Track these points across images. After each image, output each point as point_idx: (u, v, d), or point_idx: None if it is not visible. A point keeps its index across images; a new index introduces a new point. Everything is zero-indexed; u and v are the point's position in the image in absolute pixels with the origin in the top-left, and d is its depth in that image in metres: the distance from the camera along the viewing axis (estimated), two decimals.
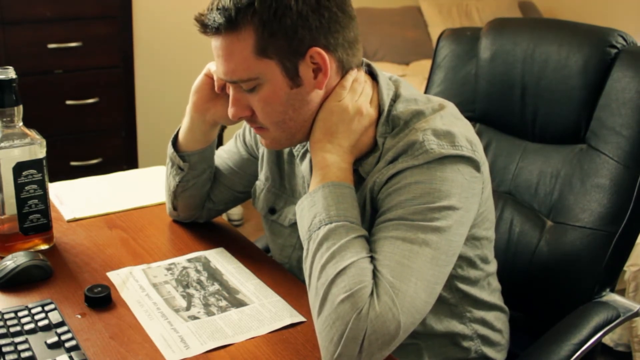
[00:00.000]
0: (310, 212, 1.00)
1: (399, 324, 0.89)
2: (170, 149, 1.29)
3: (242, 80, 1.03)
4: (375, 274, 0.92)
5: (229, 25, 0.99)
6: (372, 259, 0.94)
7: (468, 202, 1.01)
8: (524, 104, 1.41)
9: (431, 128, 1.01)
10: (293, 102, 1.03)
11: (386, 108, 1.07)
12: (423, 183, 0.98)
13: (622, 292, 2.18)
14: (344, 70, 1.06)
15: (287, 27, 0.98)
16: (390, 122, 1.06)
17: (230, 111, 1.07)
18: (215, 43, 1.03)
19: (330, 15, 1.00)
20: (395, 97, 1.09)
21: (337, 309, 0.90)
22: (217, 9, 1.00)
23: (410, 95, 1.09)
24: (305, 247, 0.99)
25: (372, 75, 1.11)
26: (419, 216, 0.96)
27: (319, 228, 0.97)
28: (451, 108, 1.08)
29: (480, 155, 1.04)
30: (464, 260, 1.10)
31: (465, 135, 1.03)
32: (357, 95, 1.05)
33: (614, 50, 1.30)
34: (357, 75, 1.07)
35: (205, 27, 1.02)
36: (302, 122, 1.06)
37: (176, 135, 1.29)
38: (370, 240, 0.97)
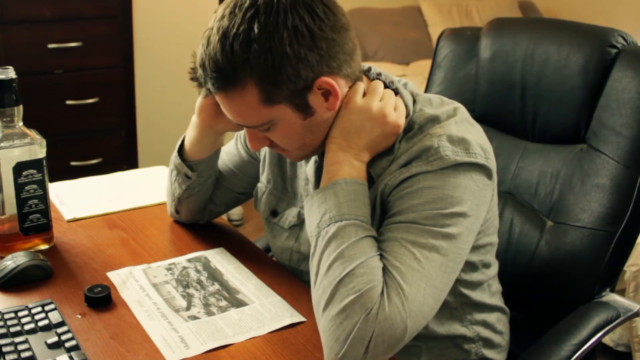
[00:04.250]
0: (320, 208, 0.99)
1: (406, 328, 0.89)
2: (177, 159, 1.28)
3: (255, 126, 1.03)
4: (385, 273, 0.92)
5: (228, 85, 0.97)
6: (382, 258, 0.94)
7: (478, 210, 1.01)
8: (524, 104, 1.41)
9: (446, 134, 1.01)
10: (309, 128, 1.03)
11: (411, 110, 1.06)
12: (436, 188, 0.97)
13: (622, 292, 2.18)
14: (351, 80, 1.04)
15: (289, 75, 0.96)
16: (406, 125, 1.06)
17: (250, 145, 1.07)
18: (218, 98, 1.02)
19: (328, 44, 0.97)
20: (413, 100, 1.08)
21: (346, 308, 0.89)
22: (212, 70, 0.97)
23: (425, 96, 1.09)
24: (313, 243, 0.99)
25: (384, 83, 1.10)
26: (430, 221, 0.96)
27: (329, 225, 0.96)
28: (464, 112, 1.08)
29: (492, 163, 1.04)
30: (467, 264, 1.09)
31: (479, 142, 1.03)
32: (378, 96, 1.04)
33: (614, 50, 1.30)
34: (374, 83, 1.07)
35: (203, 86, 1.01)
36: (322, 138, 1.06)
37: (181, 144, 1.29)
38: (378, 240, 0.97)
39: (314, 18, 0.96)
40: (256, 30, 0.93)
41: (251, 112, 1.00)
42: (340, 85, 1.01)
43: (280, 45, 0.94)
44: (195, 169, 1.27)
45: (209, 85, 1.00)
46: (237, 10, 0.95)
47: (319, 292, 0.95)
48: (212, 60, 0.96)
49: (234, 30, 0.94)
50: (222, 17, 0.97)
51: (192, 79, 1.04)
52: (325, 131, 1.05)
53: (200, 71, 1.00)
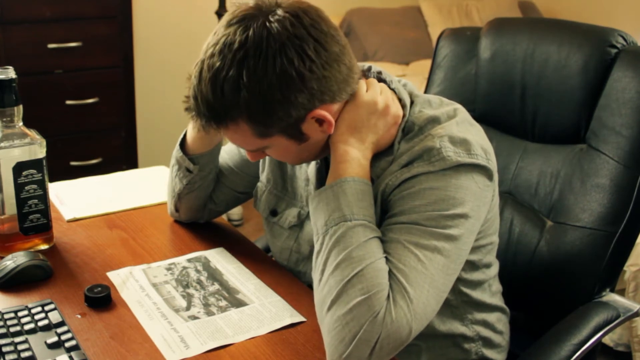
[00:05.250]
0: (328, 205, 0.98)
1: (411, 330, 0.90)
2: (179, 153, 1.28)
3: (251, 150, 1.06)
4: (390, 276, 0.92)
5: (221, 123, 0.98)
6: (386, 260, 0.94)
7: (479, 211, 1.02)
8: (524, 104, 1.41)
9: (448, 135, 1.01)
10: (305, 148, 1.04)
11: (408, 111, 1.06)
12: (438, 189, 0.98)
13: (622, 292, 2.18)
14: (348, 95, 1.03)
15: (280, 116, 0.96)
16: (405, 126, 1.06)
17: (249, 157, 1.10)
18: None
19: (319, 83, 0.96)
20: (411, 100, 1.09)
21: (353, 310, 0.89)
22: (205, 109, 0.97)
23: (424, 97, 1.09)
24: (319, 240, 0.98)
25: (382, 81, 1.10)
26: (432, 222, 0.96)
27: (337, 224, 0.96)
28: (464, 113, 1.08)
29: (493, 164, 1.04)
30: (467, 263, 1.09)
31: (480, 143, 1.03)
32: (378, 90, 1.05)
33: (614, 50, 1.30)
34: (370, 80, 1.07)
35: (197, 117, 1.01)
36: (319, 151, 1.07)
37: (183, 139, 1.29)
38: (381, 240, 0.97)
39: (304, 59, 0.94)
40: (245, 76, 0.93)
41: (246, 141, 1.02)
42: (334, 110, 1.02)
43: (270, 91, 0.93)
44: (197, 163, 1.27)
45: (203, 122, 0.99)
46: (226, 50, 0.94)
47: (324, 290, 0.94)
48: (205, 100, 0.96)
49: (224, 72, 0.94)
50: (212, 55, 0.95)
51: (187, 109, 1.03)
52: (321, 147, 1.06)
53: (192, 103, 1.00)
